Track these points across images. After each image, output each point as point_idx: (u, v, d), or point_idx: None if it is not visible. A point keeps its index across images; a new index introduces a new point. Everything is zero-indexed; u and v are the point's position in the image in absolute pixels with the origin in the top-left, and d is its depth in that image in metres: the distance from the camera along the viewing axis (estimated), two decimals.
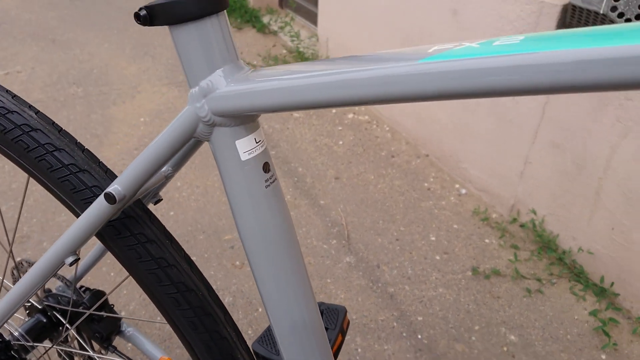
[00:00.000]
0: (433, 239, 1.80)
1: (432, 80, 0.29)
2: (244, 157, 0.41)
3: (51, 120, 0.53)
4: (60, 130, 0.52)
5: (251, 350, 0.62)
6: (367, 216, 1.91)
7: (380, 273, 1.66)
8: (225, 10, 0.38)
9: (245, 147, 0.40)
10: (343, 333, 0.82)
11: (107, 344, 0.83)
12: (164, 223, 1.86)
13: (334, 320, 0.82)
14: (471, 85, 0.28)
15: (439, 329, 1.46)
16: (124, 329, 0.89)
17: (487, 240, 1.78)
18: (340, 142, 2.40)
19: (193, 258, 1.70)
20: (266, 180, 0.42)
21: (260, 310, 1.53)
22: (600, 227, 1.51)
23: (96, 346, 0.90)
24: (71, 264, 0.49)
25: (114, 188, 0.43)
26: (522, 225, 1.81)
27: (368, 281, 1.63)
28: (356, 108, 2.71)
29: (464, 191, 2.03)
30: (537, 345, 1.40)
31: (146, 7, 0.37)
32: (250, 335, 1.45)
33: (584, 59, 0.25)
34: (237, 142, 0.40)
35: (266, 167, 0.42)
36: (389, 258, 1.71)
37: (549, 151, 1.65)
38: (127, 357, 0.79)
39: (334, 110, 2.70)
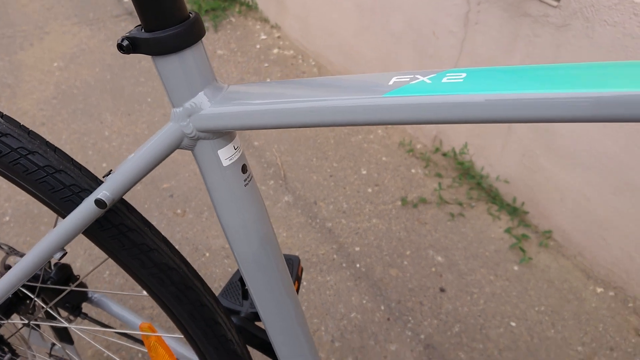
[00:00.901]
0: (364, 172, 1.91)
1: (392, 112, 0.36)
2: (225, 163, 0.46)
3: (17, 122, 0.54)
4: (29, 132, 0.54)
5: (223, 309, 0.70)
6: (301, 155, 1.99)
7: (318, 209, 1.76)
8: (202, 39, 0.41)
9: (226, 154, 0.45)
10: (299, 279, 0.92)
11: (77, 313, 0.87)
12: (97, 175, 1.84)
13: (290, 270, 0.91)
14: (423, 117, 0.35)
15: (374, 257, 1.60)
16: (91, 296, 0.93)
17: (413, 171, 1.92)
18: (268, 79, 2.41)
19: None
20: (244, 180, 0.48)
21: (207, 255, 1.60)
22: (512, 154, 1.68)
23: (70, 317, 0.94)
24: (59, 259, 0.53)
25: (103, 194, 0.46)
26: (444, 155, 1.95)
27: (307, 218, 1.73)
28: (280, 42, 2.70)
29: None
30: (461, 263, 1.58)
31: (128, 38, 0.40)
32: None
33: (508, 103, 0.33)
34: (218, 151, 0.45)
35: (244, 168, 0.48)
36: (324, 194, 1.82)
37: None
38: (101, 323, 0.84)
39: (258, 46, 2.68)
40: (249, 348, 0.77)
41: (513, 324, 1.42)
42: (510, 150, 1.68)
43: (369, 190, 1.84)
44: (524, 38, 1.51)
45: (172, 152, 0.45)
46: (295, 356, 0.63)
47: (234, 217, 0.49)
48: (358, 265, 1.58)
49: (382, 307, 1.46)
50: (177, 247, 1.59)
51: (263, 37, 2.74)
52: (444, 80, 0.36)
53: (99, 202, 0.46)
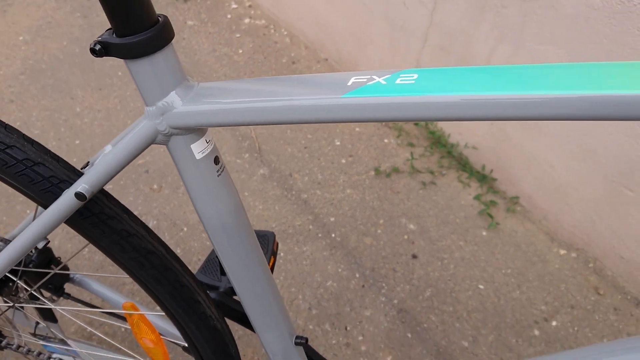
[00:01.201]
0: (338, 143, 1.94)
1: (350, 111, 0.39)
2: (198, 156, 0.48)
3: None
4: (6, 126, 0.55)
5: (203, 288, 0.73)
6: (275, 127, 2.00)
7: (293, 181, 1.79)
8: (172, 41, 0.43)
9: (199, 148, 0.48)
10: (275, 254, 0.96)
11: (60, 293, 0.90)
12: (68, 158, 1.83)
13: (266, 245, 0.95)
14: (377, 116, 0.39)
15: (349, 226, 1.65)
16: (72, 276, 0.95)
17: (386, 141, 1.95)
18: (240, 51, 2.40)
19: (109, 187, 1.73)
20: (217, 171, 0.51)
21: (185, 229, 1.63)
22: (481, 123, 1.72)
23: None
24: (43, 247, 0.56)
25: (82, 187, 0.49)
26: (416, 124, 1.99)
27: (282, 190, 1.76)
28: (252, 12, 2.67)
29: None
30: (432, 230, 1.64)
31: (101, 43, 0.42)
32: (179, 253, 1.56)
33: (456, 104, 0.36)
34: (191, 146, 0.48)
35: (216, 160, 0.50)
36: (299, 166, 1.85)
37: (438, 53, 1.80)
38: (84, 302, 0.87)
39: (229, 15, 2.65)
40: (230, 322, 0.81)
41: (481, 286, 1.49)
42: None
43: (343, 161, 1.87)
44: (492, 9, 1.53)
45: (147, 147, 0.47)
46: (270, 328, 0.67)
47: (209, 206, 0.52)
48: (333, 235, 1.62)
49: (357, 275, 1.51)
50: (155, 222, 1.61)
51: (234, 6, 2.71)
52: (398, 81, 0.39)
53: (79, 195, 0.49)
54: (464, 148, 1.83)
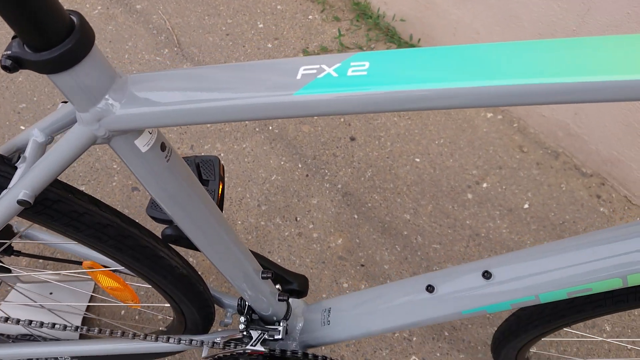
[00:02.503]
0: (261, 26, 1.85)
1: (304, 109, 0.38)
2: (144, 149, 0.46)
3: None
4: None
5: (160, 235, 0.74)
6: (191, 14, 1.87)
7: None
8: (95, 43, 0.38)
9: (144, 142, 0.45)
10: (222, 180, 0.95)
11: (10, 252, 0.87)
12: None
13: (212, 172, 0.94)
14: (332, 111, 0.38)
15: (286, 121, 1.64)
16: (17, 230, 0.92)
17: (310, 17, 1.87)
18: None
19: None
20: (165, 157, 0.48)
21: None
22: None
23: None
24: None
25: (24, 194, 0.46)
26: None
27: None
28: None
29: None
30: None
31: (11, 57, 0.36)
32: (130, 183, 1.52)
33: (405, 96, 0.36)
34: (135, 141, 0.45)
35: (163, 146, 0.48)
36: (224, 56, 1.76)
37: None
38: (36, 256, 0.85)
39: None
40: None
41: (417, 159, 1.57)
42: None
43: (269, 45, 1.80)
44: None
45: (87, 149, 0.44)
46: (235, 271, 0.69)
47: (163, 190, 0.51)
48: (271, 128, 1.62)
49: (300, 165, 1.55)
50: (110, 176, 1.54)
51: None
52: (349, 72, 0.37)
53: (22, 202, 0.46)
54: (391, 19, 1.79)
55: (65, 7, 0.37)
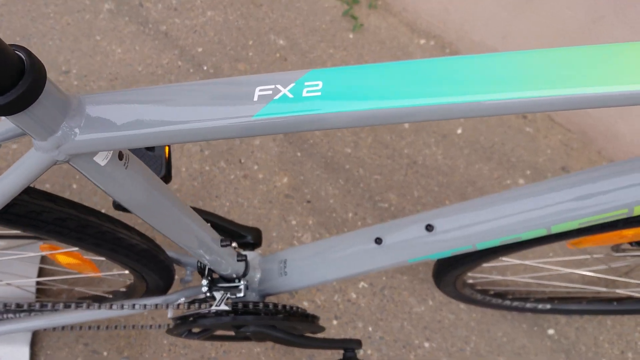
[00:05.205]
0: None
1: (261, 129, 0.40)
2: (103, 163, 0.46)
3: None
4: None
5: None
6: None
7: (146, 12, 1.64)
8: (47, 78, 0.37)
9: (102, 157, 0.45)
10: (169, 168, 0.94)
11: None
12: None
13: (160, 161, 0.93)
14: (289, 130, 0.40)
15: (219, 54, 1.60)
16: None
17: None
18: None
19: None
20: (124, 165, 0.49)
21: None
22: None
23: None
24: None
25: None
26: None
27: (138, 25, 1.61)
28: None
29: None
30: (302, 42, 1.65)
31: None
32: None
33: (362, 116, 0.39)
34: (94, 158, 0.45)
35: (120, 155, 0.48)
36: None
37: None
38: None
39: None
40: None
41: None
42: None
43: None
44: None
45: (45, 171, 0.44)
46: (194, 244, 0.72)
47: (123, 194, 0.52)
48: (205, 68, 1.58)
49: None
50: None
51: None
52: (304, 93, 0.39)
53: None
54: None
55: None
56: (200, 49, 1.60)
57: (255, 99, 0.40)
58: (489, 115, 0.38)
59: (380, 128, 1.54)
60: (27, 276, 1.15)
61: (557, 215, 0.61)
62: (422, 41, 1.69)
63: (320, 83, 0.39)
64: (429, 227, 0.72)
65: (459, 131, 1.56)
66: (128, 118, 0.41)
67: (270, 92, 0.40)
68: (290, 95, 0.39)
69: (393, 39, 1.68)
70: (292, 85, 0.40)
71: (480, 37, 1.59)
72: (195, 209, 0.91)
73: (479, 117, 0.38)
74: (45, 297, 1.22)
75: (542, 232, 0.64)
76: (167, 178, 0.85)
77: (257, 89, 0.40)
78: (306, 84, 0.39)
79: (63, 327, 0.91)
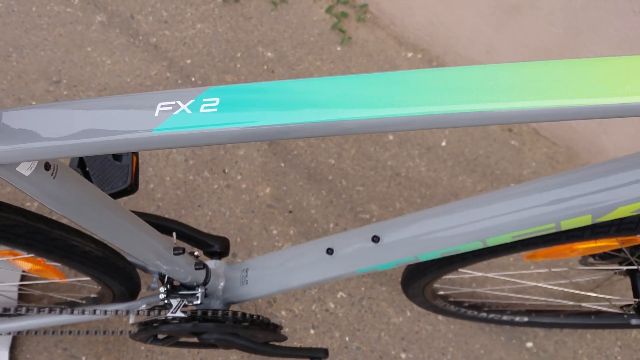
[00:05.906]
0: None
1: (161, 143, 0.42)
2: (27, 173, 0.48)
3: None
4: None
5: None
6: None
7: (137, 24, 1.68)
8: None
9: (25, 167, 0.47)
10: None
11: None
12: None
13: (126, 170, 0.96)
14: (184, 144, 0.42)
15: (207, 66, 1.63)
16: None
17: None
18: None
19: None
20: (52, 175, 0.51)
21: (33, 103, 1.53)
22: None
23: None
24: None
25: None
26: None
27: (128, 37, 1.65)
28: None
29: None
30: (289, 55, 1.67)
31: None
32: None
33: (254, 132, 0.40)
34: (17, 168, 0.47)
35: (47, 166, 0.50)
36: (139, 5, 1.70)
37: None
38: None
39: None
40: None
41: None
42: None
43: None
44: None
45: None
46: (148, 256, 0.74)
47: (57, 205, 0.54)
48: (193, 79, 1.61)
49: None
50: None
51: None
52: (202, 109, 0.41)
53: None
54: None
55: None
56: (189, 61, 1.63)
57: (157, 114, 0.42)
58: (416, 129, 0.39)
59: (364, 139, 1.56)
60: (9, 281, 1.18)
61: (489, 229, 0.62)
62: (410, 54, 1.70)
63: (217, 100, 0.41)
64: (375, 239, 0.73)
65: (443, 143, 1.57)
66: (42, 130, 0.43)
67: (171, 107, 0.42)
68: (189, 111, 0.41)
69: (380, 52, 1.70)
70: (191, 101, 0.42)
71: (464, 51, 1.60)
72: (160, 217, 0.94)
73: (409, 130, 0.40)
74: (27, 303, 1.25)
75: (478, 245, 0.65)
76: (133, 187, 0.87)
77: (159, 104, 0.42)
78: (204, 100, 0.41)
79: (27, 332, 0.93)
